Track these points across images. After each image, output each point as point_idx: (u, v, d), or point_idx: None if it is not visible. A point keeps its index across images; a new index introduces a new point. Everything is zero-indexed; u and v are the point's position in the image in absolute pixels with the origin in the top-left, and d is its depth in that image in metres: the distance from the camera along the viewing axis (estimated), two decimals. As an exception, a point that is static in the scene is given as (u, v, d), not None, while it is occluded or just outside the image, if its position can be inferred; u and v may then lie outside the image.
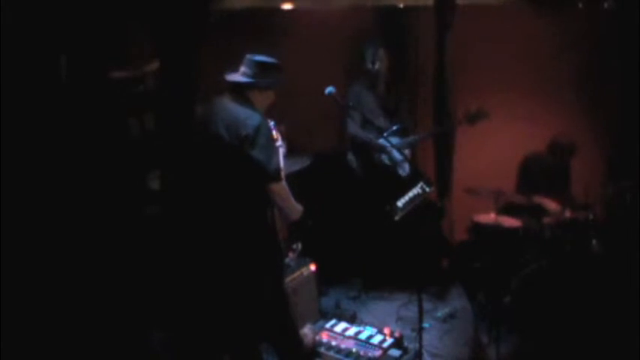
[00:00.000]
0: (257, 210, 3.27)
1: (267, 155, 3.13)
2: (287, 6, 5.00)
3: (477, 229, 5.05)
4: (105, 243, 3.27)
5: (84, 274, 3.29)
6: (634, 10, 5.15)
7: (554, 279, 4.48)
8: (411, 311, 4.37)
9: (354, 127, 4.61)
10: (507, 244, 4.76)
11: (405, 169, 4.64)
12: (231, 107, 3.23)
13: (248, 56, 3.31)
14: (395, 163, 4.66)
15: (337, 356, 3.73)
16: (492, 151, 5.56)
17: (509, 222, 4.85)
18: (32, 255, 3.19)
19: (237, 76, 3.29)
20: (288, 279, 3.82)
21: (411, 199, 3.53)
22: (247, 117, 3.16)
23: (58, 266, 3.29)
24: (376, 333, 3.95)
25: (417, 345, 3.60)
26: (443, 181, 5.23)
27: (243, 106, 3.22)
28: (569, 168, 5.23)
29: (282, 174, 3.31)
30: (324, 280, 4.61)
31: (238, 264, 3.30)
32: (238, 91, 3.27)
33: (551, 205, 4.95)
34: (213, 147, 3.19)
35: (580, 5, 5.16)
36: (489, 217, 4.75)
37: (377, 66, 4.63)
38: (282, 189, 3.27)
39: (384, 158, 4.65)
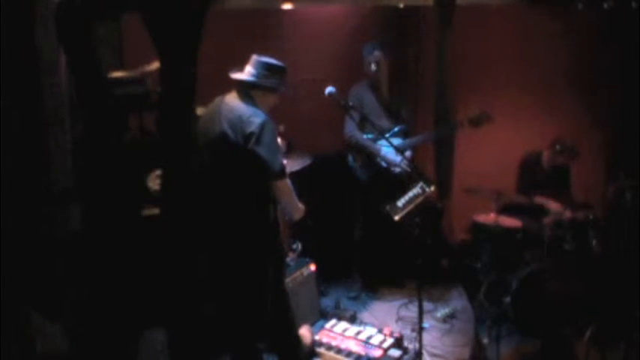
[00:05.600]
0: (260, 208, 3.27)
1: (272, 153, 3.14)
2: (287, 6, 5.00)
3: (477, 229, 5.05)
4: (104, 243, 3.27)
5: (83, 275, 3.29)
6: (634, 10, 5.15)
7: (554, 279, 4.49)
8: (411, 311, 4.37)
9: (350, 128, 4.60)
10: (507, 244, 4.76)
11: (400, 168, 4.62)
12: (235, 105, 3.23)
13: (254, 56, 3.32)
14: (390, 165, 4.65)
15: (337, 356, 3.73)
16: (492, 151, 5.56)
17: (509, 222, 4.86)
18: (30, 255, 3.19)
19: (243, 75, 3.30)
20: (288, 279, 3.82)
21: (411, 199, 3.53)
22: (252, 114, 3.16)
23: (57, 267, 3.29)
24: (376, 333, 3.94)
25: (417, 345, 3.60)
26: (443, 181, 5.23)
27: (248, 105, 3.22)
28: (570, 168, 5.24)
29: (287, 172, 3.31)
30: (324, 280, 4.61)
31: (239, 263, 3.30)
32: (242, 90, 3.28)
33: (552, 205, 4.96)
34: (217, 145, 3.19)
35: (580, 5, 5.16)
36: (489, 217, 4.75)
37: (375, 69, 4.63)
38: (286, 186, 3.27)
39: (379, 161, 4.65)
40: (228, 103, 3.27)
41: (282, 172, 3.20)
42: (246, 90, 3.28)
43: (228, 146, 3.16)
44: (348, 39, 5.19)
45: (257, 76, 3.27)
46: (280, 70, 3.32)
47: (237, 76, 3.31)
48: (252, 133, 3.11)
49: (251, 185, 3.22)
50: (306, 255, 4.32)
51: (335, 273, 4.85)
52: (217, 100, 3.34)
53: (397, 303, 4.58)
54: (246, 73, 3.30)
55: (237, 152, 3.15)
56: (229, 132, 3.15)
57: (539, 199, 5.03)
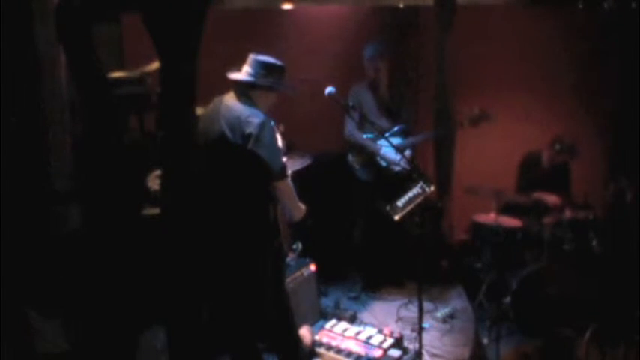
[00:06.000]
0: (260, 209, 3.26)
1: (272, 153, 3.13)
2: (287, 6, 5.00)
3: (477, 229, 5.05)
4: (104, 243, 3.27)
5: (83, 275, 3.29)
6: (634, 10, 5.15)
7: (554, 279, 4.49)
8: (411, 311, 4.37)
9: (350, 128, 4.60)
10: (507, 244, 4.76)
11: (400, 166, 4.62)
12: (233, 106, 3.22)
13: (252, 56, 3.30)
14: (390, 165, 4.65)
15: (337, 356, 3.73)
16: (492, 151, 5.57)
17: (509, 222, 4.86)
18: (30, 254, 3.19)
19: (240, 75, 3.29)
20: (288, 279, 3.82)
21: (411, 199, 3.53)
22: (250, 115, 3.15)
23: (57, 267, 3.30)
24: (376, 333, 3.94)
25: (417, 345, 3.60)
26: (443, 181, 5.23)
27: (246, 105, 3.21)
28: (570, 168, 5.24)
29: (288, 172, 3.31)
30: (324, 280, 4.61)
31: (239, 263, 3.30)
32: (241, 90, 3.27)
33: (550, 199, 4.95)
34: (216, 145, 3.18)
35: (580, 5, 5.16)
36: (489, 217, 4.75)
37: (375, 73, 4.62)
38: (287, 187, 3.26)
39: (379, 160, 4.65)
40: (227, 103, 3.25)
41: (282, 173, 3.19)
42: (244, 90, 3.26)
43: (227, 147, 3.15)
44: (348, 39, 5.19)
45: (254, 75, 3.25)
46: (278, 68, 3.30)
47: (234, 76, 3.29)
48: (250, 134, 3.10)
49: (251, 185, 3.22)
50: (306, 255, 4.32)
51: (335, 273, 4.85)
52: (216, 100, 3.33)
53: (397, 303, 4.58)
54: (244, 73, 3.28)
55: (237, 153, 3.14)
56: (228, 132, 3.14)
57: (537, 195, 5.03)
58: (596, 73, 5.68)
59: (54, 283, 3.28)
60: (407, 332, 4.04)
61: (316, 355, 3.77)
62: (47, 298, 3.26)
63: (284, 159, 3.29)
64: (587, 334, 4.04)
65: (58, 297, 3.29)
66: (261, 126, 3.11)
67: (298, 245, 4.30)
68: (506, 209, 4.95)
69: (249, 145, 3.09)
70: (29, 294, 3.20)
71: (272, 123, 3.26)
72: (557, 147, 5.04)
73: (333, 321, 4.11)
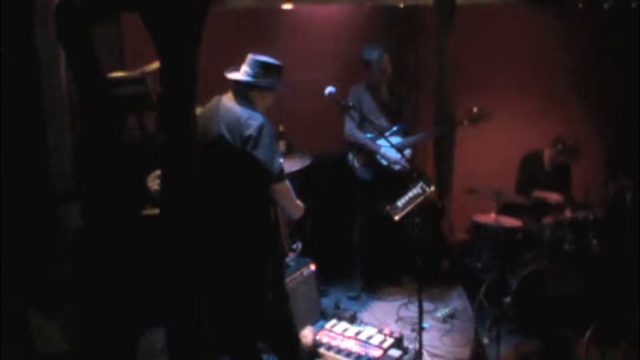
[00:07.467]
0: (260, 210, 3.26)
1: (271, 155, 3.13)
2: (287, 6, 5.00)
3: (477, 229, 5.05)
4: (104, 243, 3.27)
5: (83, 275, 3.29)
6: (634, 10, 5.16)
7: (554, 279, 4.49)
8: (411, 311, 4.37)
9: (350, 127, 4.60)
10: (507, 244, 4.76)
11: (400, 165, 4.62)
12: (232, 107, 3.22)
13: (251, 56, 3.30)
14: (390, 164, 4.65)
15: (337, 356, 3.73)
16: (492, 151, 5.56)
17: (509, 222, 4.86)
18: (30, 255, 3.19)
19: (239, 75, 3.28)
20: (288, 279, 3.82)
21: (411, 199, 3.53)
22: (249, 117, 3.14)
23: (57, 267, 3.29)
24: (376, 333, 3.95)
25: (417, 345, 3.60)
26: (443, 181, 5.23)
27: (245, 106, 3.20)
28: (570, 168, 5.24)
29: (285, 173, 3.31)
30: (324, 280, 4.61)
31: (239, 264, 3.30)
32: (239, 91, 3.27)
33: (552, 197, 4.95)
34: (215, 146, 3.18)
35: (580, 5, 5.16)
36: (489, 217, 4.75)
37: (381, 75, 4.59)
38: (285, 188, 3.26)
39: (379, 159, 4.65)
40: (225, 104, 3.25)
41: (280, 175, 3.19)
42: (242, 90, 3.26)
43: (226, 148, 3.15)
44: (348, 39, 5.18)
45: (253, 75, 3.25)
46: (277, 68, 3.29)
47: (233, 76, 3.29)
48: (250, 136, 3.09)
49: (250, 186, 3.21)
50: (306, 255, 4.32)
51: (335, 273, 4.86)
52: (214, 100, 3.33)
53: (397, 303, 4.58)
54: (242, 73, 3.28)
55: (236, 154, 3.14)
56: (227, 134, 3.14)
57: (537, 194, 5.02)
58: (596, 73, 5.68)
59: (54, 283, 3.28)
60: (407, 332, 4.05)
61: (318, 355, 3.77)
62: (48, 299, 3.26)
63: (281, 160, 3.29)
64: (587, 334, 4.04)
65: (59, 297, 3.29)
66: (261, 128, 3.10)
67: (298, 245, 4.31)
68: (506, 209, 4.95)
69: (248, 148, 3.09)
70: (30, 294, 3.20)
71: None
72: (560, 147, 5.04)
73: (333, 321, 4.11)
